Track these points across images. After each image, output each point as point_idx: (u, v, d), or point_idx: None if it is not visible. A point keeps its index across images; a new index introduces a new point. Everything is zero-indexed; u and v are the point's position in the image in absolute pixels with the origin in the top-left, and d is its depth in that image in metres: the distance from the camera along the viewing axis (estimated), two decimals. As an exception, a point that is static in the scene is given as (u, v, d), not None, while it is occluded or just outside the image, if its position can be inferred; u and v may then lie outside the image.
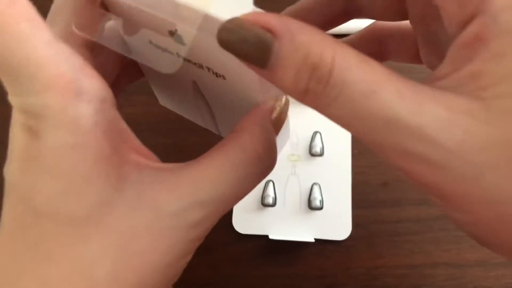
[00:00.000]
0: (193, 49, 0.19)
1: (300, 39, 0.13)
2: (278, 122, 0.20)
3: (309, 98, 0.13)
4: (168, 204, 0.15)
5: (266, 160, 0.17)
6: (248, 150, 0.17)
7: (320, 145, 0.33)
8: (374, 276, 0.31)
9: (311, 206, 0.31)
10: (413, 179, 0.13)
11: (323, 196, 0.32)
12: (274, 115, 0.18)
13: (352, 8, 0.19)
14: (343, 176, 0.33)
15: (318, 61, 0.13)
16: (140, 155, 0.17)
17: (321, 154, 0.33)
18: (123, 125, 0.17)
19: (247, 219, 0.32)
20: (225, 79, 0.21)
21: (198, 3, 0.15)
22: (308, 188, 0.32)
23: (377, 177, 0.33)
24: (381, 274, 0.31)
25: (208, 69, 0.20)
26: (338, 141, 0.33)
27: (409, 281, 0.31)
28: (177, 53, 0.20)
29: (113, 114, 0.16)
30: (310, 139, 0.33)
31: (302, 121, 0.34)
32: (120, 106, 0.34)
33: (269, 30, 0.13)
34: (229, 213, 0.32)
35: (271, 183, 0.32)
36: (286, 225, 0.31)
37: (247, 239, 0.31)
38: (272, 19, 0.13)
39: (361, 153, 0.34)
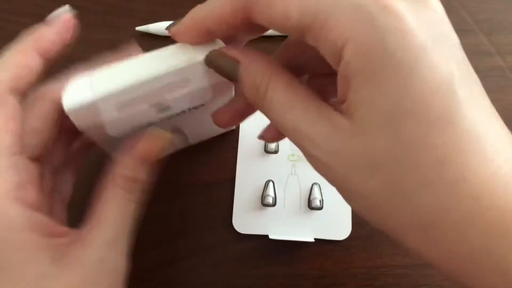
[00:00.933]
0: (176, 106, 0.25)
1: (250, 67, 0.20)
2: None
3: (256, 105, 0.20)
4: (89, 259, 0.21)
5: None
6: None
7: (320, 145, 0.33)
8: (374, 276, 0.31)
9: (311, 206, 0.31)
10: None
11: (323, 196, 0.32)
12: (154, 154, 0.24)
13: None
14: (343, 176, 0.33)
15: (259, 84, 0.19)
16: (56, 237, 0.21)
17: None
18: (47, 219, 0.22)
19: (247, 219, 0.32)
20: (203, 105, 0.26)
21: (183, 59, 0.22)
22: (308, 188, 0.32)
23: (377, 177, 0.33)
24: (381, 274, 0.31)
25: (189, 109, 0.26)
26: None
27: (409, 280, 0.31)
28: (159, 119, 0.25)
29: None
30: (310, 139, 0.33)
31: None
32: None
33: (235, 59, 0.20)
34: (229, 213, 0.32)
35: (271, 183, 0.32)
36: (286, 225, 0.31)
37: (247, 239, 0.32)
38: (236, 52, 0.20)
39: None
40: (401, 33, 0.16)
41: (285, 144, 0.33)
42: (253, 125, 0.34)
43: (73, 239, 0.21)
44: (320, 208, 0.31)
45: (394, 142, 0.16)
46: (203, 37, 0.21)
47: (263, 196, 0.32)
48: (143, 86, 0.21)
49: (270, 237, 0.31)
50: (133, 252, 0.31)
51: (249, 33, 0.22)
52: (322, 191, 0.32)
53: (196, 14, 0.20)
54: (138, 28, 0.36)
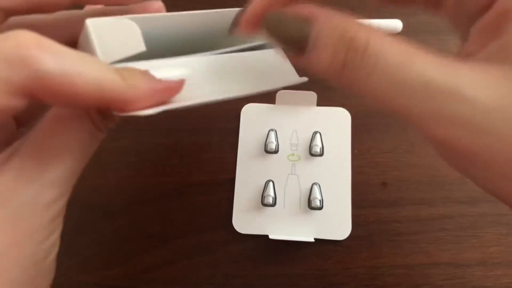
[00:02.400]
0: None
1: (336, 20, 0.14)
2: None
3: (346, 72, 0.14)
4: (19, 195, 0.16)
5: (100, 124, 0.18)
6: (83, 120, 0.17)
7: (320, 145, 0.33)
8: (374, 276, 0.31)
9: (311, 206, 0.31)
10: (446, 146, 0.14)
11: (323, 196, 0.32)
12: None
13: None
14: (343, 176, 0.33)
15: (354, 36, 0.14)
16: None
17: (321, 154, 0.33)
18: None
19: (247, 219, 0.32)
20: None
21: None
22: (308, 188, 0.32)
23: (376, 177, 0.33)
24: (381, 274, 0.31)
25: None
26: (338, 141, 0.33)
27: (409, 281, 0.31)
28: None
29: None
30: (310, 139, 0.33)
31: (302, 121, 0.34)
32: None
33: (307, 18, 0.14)
34: (229, 213, 0.32)
35: (271, 183, 0.32)
36: (286, 225, 0.31)
37: (247, 239, 0.32)
38: (309, 8, 0.15)
39: (361, 153, 0.34)
40: None
41: (285, 144, 0.33)
42: (253, 125, 0.34)
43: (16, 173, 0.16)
44: (320, 208, 0.31)
45: None
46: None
47: (263, 196, 0.32)
48: None
49: (270, 237, 0.31)
50: (133, 252, 0.31)
51: None
52: (322, 191, 0.32)
53: None
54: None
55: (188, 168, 0.33)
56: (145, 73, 0.16)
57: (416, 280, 0.31)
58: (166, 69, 0.18)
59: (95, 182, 0.32)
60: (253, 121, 0.34)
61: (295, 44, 0.15)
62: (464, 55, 0.14)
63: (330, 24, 0.14)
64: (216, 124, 0.34)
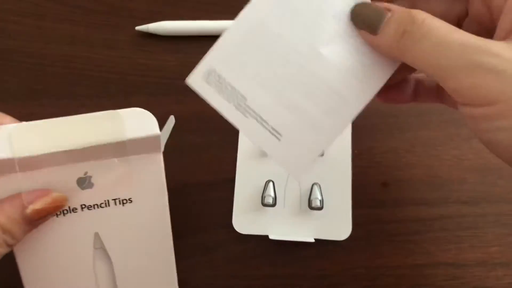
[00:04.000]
0: (100, 187, 0.23)
1: (402, 9, 0.20)
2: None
3: (404, 39, 0.20)
4: None
5: None
6: None
7: (320, 145, 0.33)
8: (374, 276, 0.31)
9: (311, 206, 0.31)
10: (474, 94, 0.18)
11: (323, 196, 0.32)
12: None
13: None
14: (343, 176, 0.33)
15: (415, 14, 0.19)
16: None
17: (321, 154, 0.33)
18: None
19: (247, 219, 0.32)
20: (131, 201, 0.24)
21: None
22: (308, 188, 0.32)
23: (377, 177, 0.33)
24: (381, 274, 0.31)
25: (115, 201, 0.24)
26: (338, 141, 0.33)
27: (409, 281, 0.31)
28: (81, 206, 0.24)
29: None
30: (310, 139, 0.33)
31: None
32: (119, 106, 0.34)
33: (385, 9, 0.21)
34: (229, 213, 0.32)
35: (271, 183, 0.32)
36: (286, 225, 0.31)
37: (247, 239, 0.31)
38: (388, 4, 0.21)
39: (361, 153, 0.34)
40: None
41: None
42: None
43: None
44: (320, 208, 0.31)
45: None
46: None
47: (263, 196, 0.32)
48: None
49: (270, 237, 0.31)
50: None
51: None
52: (322, 191, 0.32)
53: None
54: (138, 28, 0.36)
55: (188, 168, 0.33)
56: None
57: (416, 281, 0.31)
58: None
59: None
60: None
61: (372, 26, 0.21)
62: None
63: (399, 11, 0.20)
64: (216, 124, 0.34)
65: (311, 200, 0.31)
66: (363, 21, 0.22)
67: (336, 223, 0.32)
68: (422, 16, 0.19)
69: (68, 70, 0.35)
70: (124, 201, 0.24)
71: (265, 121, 0.22)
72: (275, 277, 0.31)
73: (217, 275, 0.31)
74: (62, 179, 0.22)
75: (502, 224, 0.32)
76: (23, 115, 0.33)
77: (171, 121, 0.24)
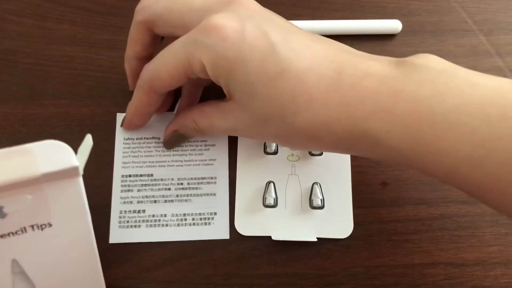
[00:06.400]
0: (14, 216, 0.22)
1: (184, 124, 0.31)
2: None
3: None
4: None
5: None
6: None
7: (320, 145, 0.33)
8: (373, 276, 0.31)
9: (312, 206, 0.32)
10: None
11: (323, 195, 0.32)
12: None
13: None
14: (343, 174, 0.33)
15: (195, 124, 0.30)
16: None
17: (320, 154, 0.33)
18: None
19: (248, 221, 0.32)
20: (51, 225, 0.23)
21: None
22: (308, 188, 0.32)
23: (376, 177, 0.33)
24: (380, 273, 0.31)
25: (32, 226, 0.23)
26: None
27: (408, 280, 0.31)
28: None
29: None
30: (309, 139, 0.33)
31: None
32: (120, 106, 0.34)
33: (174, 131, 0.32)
34: (231, 215, 0.32)
35: (271, 184, 0.32)
36: (288, 225, 0.32)
37: (247, 239, 0.32)
38: (171, 127, 0.32)
39: (360, 153, 0.34)
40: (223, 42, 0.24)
41: (285, 144, 0.33)
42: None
43: None
44: (322, 208, 0.31)
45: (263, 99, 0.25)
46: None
47: (264, 198, 0.32)
48: None
49: (273, 238, 0.31)
50: (133, 252, 0.31)
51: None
52: (322, 190, 0.32)
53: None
54: (138, 28, 0.36)
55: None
56: None
57: (415, 280, 0.31)
58: None
59: (95, 182, 0.32)
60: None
61: (184, 138, 0.32)
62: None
63: (184, 128, 0.31)
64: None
65: (312, 200, 0.32)
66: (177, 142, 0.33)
67: (337, 222, 0.32)
68: (196, 124, 0.29)
69: (69, 70, 0.35)
70: (43, 226, 0.23)
71: None
72: (275, 276, 0.31)
73: (217, 275, 0.31)
74: None
75: (501, 223, 0.32)
76: (24, 116, 0.34)
77: (87, 141, 0.23)
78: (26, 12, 0.37)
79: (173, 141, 0.32)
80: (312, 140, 0.25)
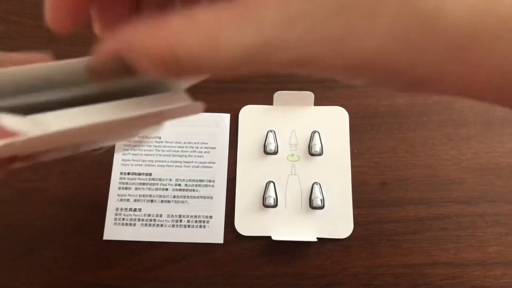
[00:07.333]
0: None
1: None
2: None
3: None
4: None
5: None
6: None
7: (319, 144, 0.33)
8: (374, 275, 0.31)
9: (312, 206, 0.31)
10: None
11: (323, 195, 0.32)
12: None
13: None
14: (343, 174, 0.33)
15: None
16: None
17: (320, 154, 0.33)
18: None
19: (249, 221, 0.32)
20: None
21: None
22: (308, 188, 0.32)
23: (376, 177, 0.33)
24: (380, 273, 0.31)
25: None
26: (336, 140, 0.34)
27: (408, 280, 0.31)
28: None
29: None
30: (309, 139, 0.33)
31: (300, 121, 0.34)
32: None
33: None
34: (231, 215, 0.32)
35: (271, 184, 0.32)
36: (288, 225, 0.32)
37: (247, 239, 0.32)
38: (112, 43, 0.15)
39: (360, 153, 0.34)
40: None
41: (284, 145, 0.33)
42: (251, 127, 0.34)
43: None
44: (322, 208, 0.31)
45: None
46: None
47: (264, 198, 0.32)
48: None
49: (273, 238, 0.31)
50: (133, 252, 0.31)
51: None
52: (322, 190, 0.32)
53: None
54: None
55: (188, 168, 0.33)
56: None
57: (415, 280, 0.31)
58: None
59: (95, 182, 0.32)
60: (251, 122, 0.34)
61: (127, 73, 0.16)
62: None
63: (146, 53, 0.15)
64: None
65: (312, 200, 0.32)
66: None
67: (337, 222, 0.32)
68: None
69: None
70: None
71: None
72: (275, 276, 0.31)
73: (217, 275, 0.31)
74: None
75: (501, 223, 0.32)
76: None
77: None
78: (26, 12, 0.37)
79: (105, 74, 0.16)
80: (460, 50, 0.12)
